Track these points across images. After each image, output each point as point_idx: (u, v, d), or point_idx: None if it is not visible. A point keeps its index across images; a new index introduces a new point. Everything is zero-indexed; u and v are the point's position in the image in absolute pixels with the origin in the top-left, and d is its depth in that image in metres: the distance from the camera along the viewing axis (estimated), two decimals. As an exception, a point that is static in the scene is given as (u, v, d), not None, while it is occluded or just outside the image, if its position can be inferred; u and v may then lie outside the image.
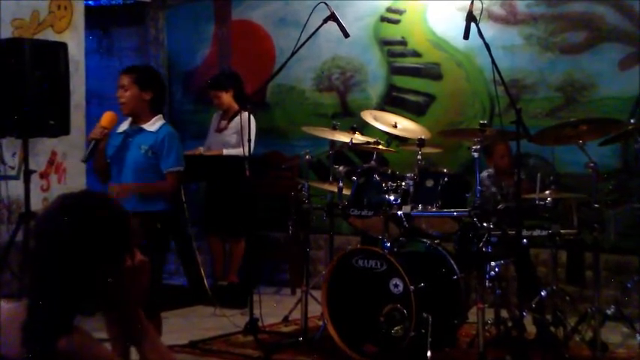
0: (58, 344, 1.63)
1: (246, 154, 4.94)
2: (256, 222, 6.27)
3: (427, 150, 4.85)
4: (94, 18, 7.40)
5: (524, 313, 4.35)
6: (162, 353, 1.84)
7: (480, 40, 4.22)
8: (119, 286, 1.74)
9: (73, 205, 1.75)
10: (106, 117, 4.09)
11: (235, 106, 6.56)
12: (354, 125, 5.13)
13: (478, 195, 4.32)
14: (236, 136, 6.37)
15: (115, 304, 1.78)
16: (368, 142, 4.98)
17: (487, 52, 4.18)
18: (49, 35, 6.09)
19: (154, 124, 4.15)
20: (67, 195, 1.78)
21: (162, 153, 4.11)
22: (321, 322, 4.85)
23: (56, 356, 1.63)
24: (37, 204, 5.60)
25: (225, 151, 6.35)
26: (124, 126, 4.24)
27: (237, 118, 6.34)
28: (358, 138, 4.99)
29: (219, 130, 6.62)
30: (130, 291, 1.78)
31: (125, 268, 1.76)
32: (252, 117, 5.74)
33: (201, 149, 6.57)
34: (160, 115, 4.23)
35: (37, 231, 1.76)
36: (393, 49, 6.60)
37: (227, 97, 6.58)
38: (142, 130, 4.12)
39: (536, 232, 4.54)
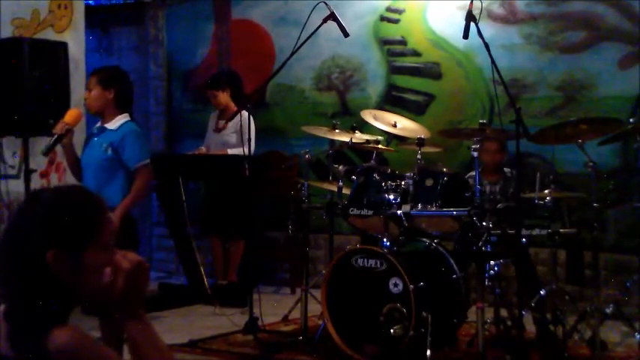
0: (53, 343, 1.62)
1: (246, 153, 4.94)
2: (255, 222, 6.27)
3: (427, 149, 4.85)
4: (94, 17, 7.41)
5: (524, 312, 4.35)
6: (163, 352, 1.84)
7: (480, 40, 4.22)
8: (78, 279, 1.71)
9: (30, 200, 1.76)
10: (70, 113, 4.15)
11: (232, 105, 6.58)
12: (354, 124, 5.12)
13: (478, 194, 4.33)
14: (236, 135, 6.38)
15: (114, 305, 1.78)
16: (367, 142, 4.98)
17: (487, 52, 4.18)
18: (50, 35, 6.09)
19: (115, 123, 4.21)
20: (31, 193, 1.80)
21: (124, 150, 4.15)
22: (320, 322, 4.85)
23: (52, 356, 1.62)
24: (37, 203, 5.59)
25: (230, 151, 6.36)
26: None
27: (235, 118, 6.35)
28: (358, 137, 4.99)
29: (218, 130, 6.63)
30: (130, 292, 1.78)
31: (127, 269, 1.76)
32: (251, 116, 5.74)
33: (203, 149, 6.57)
34: (126, 114, 4.26)
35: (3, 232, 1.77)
36: (392, 48, 6.60)
37: (224, 97, 6.60)
38: (105, 129, 4.18)
39: (536, 232, 4.54)
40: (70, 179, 6.20)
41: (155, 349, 1.82)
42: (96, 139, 4.22)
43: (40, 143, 5.90)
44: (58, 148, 4.73)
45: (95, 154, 4.19)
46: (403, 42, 6.54)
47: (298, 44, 4.69)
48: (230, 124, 6.47)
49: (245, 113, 5.48)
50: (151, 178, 4.36)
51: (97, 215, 1.75)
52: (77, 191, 1.79)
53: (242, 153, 6.13)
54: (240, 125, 5.55)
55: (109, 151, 4.16)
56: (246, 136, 4.94)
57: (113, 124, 4.19)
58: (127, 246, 1.82)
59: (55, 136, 4.11)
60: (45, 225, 1.68)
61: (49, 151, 4.19)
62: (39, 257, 1.66)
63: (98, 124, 4.30)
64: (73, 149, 4.22)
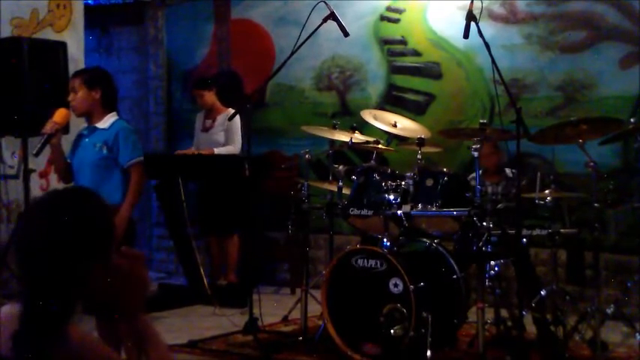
0: (61, 343, 1.62)
1: (245, 153, 4.94)
2: (255, 222, 6.26)
3: (427, 149, 4.84)
4: (94, 17, 7.40)
5: (524, 313, 4.35)
6: (163, 353, 1.84)
7: (480, 40, 4.21)
8: (109, 285, 1.73)
9: (55, 201, 1.74)
10: (59, 113, 4.17)
11: (219, 105, 6.60)
12: (354, 124, 5.12)
13: (478, 194, 4.32)
14: (223, 134, 6.40)
15: (117, 305, 1.77)
16: (368, 142, 4.97)
17: (487, 52, 4.17)
18: (49, 34, 6.09)
19: (106, 122, 4.22)
20: (50, 193, 1.79)
21: (117, 148, 4.16)
22: (320, 322, 4.85)
23: (57, 356, 1.62)
24: (36, 203, 5.59)
25: (217, 150, 6.36)
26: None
27: (220, 117, 6.40)
28: (358, 137, 4.98)
29: (205, 130, 6.63)
30: (131, 291, 1.77)
31: (125, 266, 1.76)
32: (237, 116, 5.72)
33: (193, 149, 6.57)
34: (114, 113, 4.28)
35: (21, 231, 1.75)
36: (392, 48, 6.59)
37: (210, 96, 6.61)
38: (96, 129, 4.20)
39: (536, 232, 4.53)
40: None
41: (154, 348, 1.81)
42: (87, 139, 4.23)
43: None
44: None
45: (89, 155, 4.20)
46: (403, 42, 6.53)
47: (298, 44, 4.68)
48: (217, 123, 6.48)
49: (237, 113, 5.47)
50: (145, 176, 4.37)
51: (112, 220, 1.79)
52: (99, 199, 1.79)
53: (228, 152, 6.22)
54: (240, 124, 5.57)
55: (105, 150, 4.17)
56: (236, 136, 4.95)
57: (104, 123, 4.21)
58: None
59: (45, 136, 4.12)
60: (86, 235, 1.69)
61: (40, 151, 4.21)
62: (79, 266, 1.67)
63: (87, 125, 4.31)
64: (61, 149, 4.24)
